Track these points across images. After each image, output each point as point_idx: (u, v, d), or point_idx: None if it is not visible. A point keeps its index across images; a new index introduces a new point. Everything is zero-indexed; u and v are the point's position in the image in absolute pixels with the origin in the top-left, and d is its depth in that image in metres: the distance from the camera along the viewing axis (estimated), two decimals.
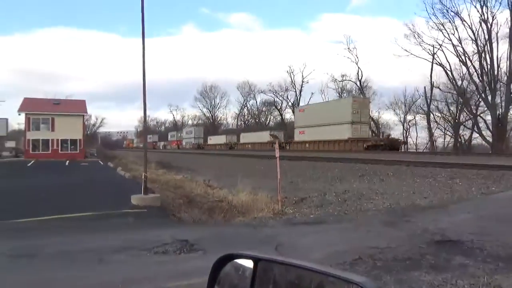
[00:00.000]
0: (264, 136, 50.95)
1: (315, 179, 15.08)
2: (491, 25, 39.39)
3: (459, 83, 43.85)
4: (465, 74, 42.75)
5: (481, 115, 42.54)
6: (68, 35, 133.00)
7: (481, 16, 39.75)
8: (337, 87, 60.67)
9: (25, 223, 7.73)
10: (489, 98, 39.70)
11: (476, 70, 41.13)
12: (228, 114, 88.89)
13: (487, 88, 39.76)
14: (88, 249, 5.41)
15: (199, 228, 7.38)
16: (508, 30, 38.27)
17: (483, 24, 39.76)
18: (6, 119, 43.68)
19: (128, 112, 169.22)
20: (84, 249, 5.43)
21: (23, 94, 79.02)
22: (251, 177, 16.55)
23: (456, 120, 45.73)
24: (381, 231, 6.21)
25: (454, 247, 4.94)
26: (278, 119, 72.18)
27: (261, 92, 75.10)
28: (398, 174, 13.11)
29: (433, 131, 48.54)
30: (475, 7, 40.20)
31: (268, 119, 77.05)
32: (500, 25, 39.11)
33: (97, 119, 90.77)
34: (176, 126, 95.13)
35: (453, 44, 42.55)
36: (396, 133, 56.51)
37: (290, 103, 68.77)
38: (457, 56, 42.65)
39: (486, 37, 39.75)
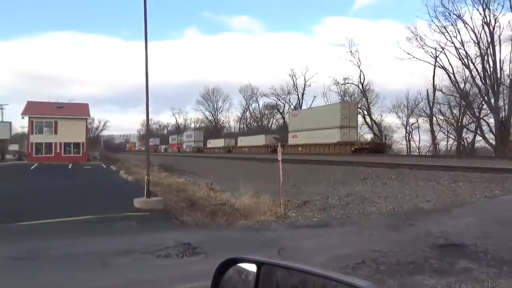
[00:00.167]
0: (260, 140, 52.45)
1: (318, 182, 15.05)
2: (494, 28, 39.38)
3: (462, 86, 43.79)
4: (467, 77, 42.70)
5: (484, 118, 42.44)
6: (71, 39, 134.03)
7: (483, 19, 39.75)
8: (339, 90, 60.70)
9: (29, 226, 7.74)
10: (492, 101, 39.58)
11: (478, 73, 41.07)
12: (231, 117, 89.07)
13: (490, 91, 39.65)
14: (91, 252, 5.42)
15: (201, 231, 7.37)
16: (511, 33, 38.27)
17: (485, 27, 39.75)
18: (10, 123, 44.07)
19: (131, 115, 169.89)
20: (87, 252, 5.44)
21: (26, 98, 79.34)
22: (253, 180, 16.54)
23: (459, 123, 45.59)
24: (384, 234, 6.19)
25: (458, 251, 4.91)
26: (281, 122, 72.21)
27: (264, 95, 75.27)
28: (401, 178, 13.07)
29: (436, 134, 48.43)
30: (478, 10, 40.22)
31: (271, 122, 77.15)
32: (503, 28, 39.08)
33: (100, 122, 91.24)
34: (179, 129, 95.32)
35: (455, 47, 42.54)
36: (399, 136, 56.46)
37: (292, 106, 68.82)
38: (460, 59, 42.63)
39: (489, 39, 39.73)
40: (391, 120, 58.60)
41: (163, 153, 72.25)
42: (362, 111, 58.28)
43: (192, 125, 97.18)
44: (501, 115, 38.52)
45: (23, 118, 39.57)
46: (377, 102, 58.36)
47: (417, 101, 52.43)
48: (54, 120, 39.52)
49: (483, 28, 39.87)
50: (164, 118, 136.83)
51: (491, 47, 39.65)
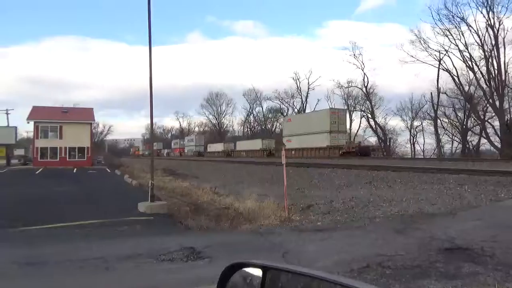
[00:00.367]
0: (256, 144, 54.46)
1: (322, 186, 15.01)
2: (498, 30, 39.26)
3: (466, 88, 43.63)
4: (472, 79, 42.56)
5: (489, 120, 42.24)
6: (76, 44, 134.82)
7: (487, 21, 39.64)
8: (343, 94, 60.70)
9: (34, 231, 7.78)
10: (497, 103, 39.38)
11: (483, 76, 40.91)
12: (234, 121, 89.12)
13: (495, 93, 39.47)
14: (95, 257, 5.43)
15: (205, 235, 7.36)
16: None
17: (489, 30, 39.63)
18: (15, 127, 44.34)
19: (135, 119, 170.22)
20: (91, 257, 5.45)
21: (32, 103, 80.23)
22: (257, 184, 16.52)
23: (464, 126, 45.38)
24: (389, 238, 6.15)
25: (464, 255, 4.87)
26: None
27: (267, 99, 75.34)
28: (406, 181, 13.00)
29: (441, 137, 48.21)
30: (481, 12, 40.14)
31: (274, 126, 77.14)
32: (507, 30, 38.97)
33: (104, 127, 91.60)
34: (183, 134, 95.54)
35: (459, 50, 42.44)
36: (403, 139, 56.22)
37: (296, 110, 68.81)
38: (464, 62, 42.51)
39: (493, 42, 39.59)
40: (395, 123, 58.71)
41: (166, 157, 72.88)
42: (366, 114, 58.30)
43: (196, 129, 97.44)
44: (506, 118, 38.32)
45: (28, 123, 39.87)
46: (381, 105, 58.26)
47: (421, 104, 52.35)
48: (59, 124, 39.75)
49: (487, 30, 39.81)
50: (168, 122, 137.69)
51: (495, 50, 39.52)
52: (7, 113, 51.91)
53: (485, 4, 39.43)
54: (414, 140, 54.96)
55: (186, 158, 60.09)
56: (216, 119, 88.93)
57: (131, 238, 7.11)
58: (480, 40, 40.37)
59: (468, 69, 42.41)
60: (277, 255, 5.17)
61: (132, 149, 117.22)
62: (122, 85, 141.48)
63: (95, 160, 44.74)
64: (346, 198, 11.00)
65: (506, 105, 39.14)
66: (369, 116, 57.50)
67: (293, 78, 68.22)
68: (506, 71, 39.05)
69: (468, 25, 41.19)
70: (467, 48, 41.70)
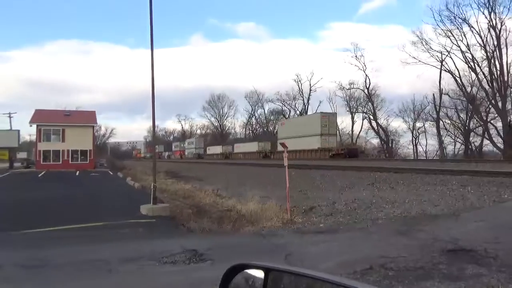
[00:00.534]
0: (253, 147, 56.48)
1: (324, 187, 14.99)
2: (500, 31, 39.22)
3: (469, 89, 43.56)
4: (474, 80, 42.49)
5: (492, 121, 42.13)
6: (78, 47, 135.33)
7: (489, 22, 39.61)
8: (345, 95, 60.68)
9: (36, 234, 7.79)
10: (500, 104, 39.27)
11: (485, 76, 40.85)
12: (236, 123, 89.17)
13: (497, 94, 39.37)
14: (98, 259, 5.43)
15: (208, 237, 7.36)
16: None
17: (491, 30, 39.60)
18: (18, 131, 44.46)
19: (138, 122, 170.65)
20: (94, 259, 5.45)
21: (34, 106, 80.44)
22: (259, 186, 16.51)
23: (466, 127, 45.25)
24: (392, 240, 6.13)
25: (467, 256, 4.85)
26: None
27: (269, 101, 75.43)
28: (408, 182, 12.97)
29: (443, 138, 48.09)
30: (483, 13, 40.15)
31: (276, 128, 77.08)
32: (509, 31, 38.94)
33: (106, 129, 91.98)
34: (184, 136, 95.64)
35: (461, 51, 42.41)
36: (405, 140, 56.08)
37: (298, 112, 68.81)
38: (466, 63, 42.46)
39: (495, 43, 39.56)
40: (397, 124, 58.38)
41: (167, 160, 73.17)
42: (368, 116, 58.24)
43: (198, 132, 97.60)
44: (508, 119, 38.20)
45: (31, 126, 40.03)
46: (383, 106, 58.17)
47: (424, 105, 52.24)
48: (61, 127, 39.89)
49: (489, 31, 39.77)
50: (170, 124, 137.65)
51: (497, 50, 39.49)
52: (9, 116, 52.21)
53: (487, 5, 39.48)
54: (417, 141, 54.89)
55: (186, 161, 61.25)
56: (218, 121, 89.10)
57: (134, 241, 7.11)
58: (482, 41, 40.37)
59: (470, 70, 42.42)
60: (279, 257, 5.16)
61: (134, 151, 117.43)
62: (124, 88, 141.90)
63: (98, 163, 44.86)
64: (349, 200, 10.98)
65: (508, 106, 39.08)
66: (371, 117, 57.50)
67: (295, 80, 68.43)
68: (508, 72, 39.01)
69: (470, 26, 41.22)
70: (469, 49, 41.71)
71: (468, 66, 42.33)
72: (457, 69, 43.63)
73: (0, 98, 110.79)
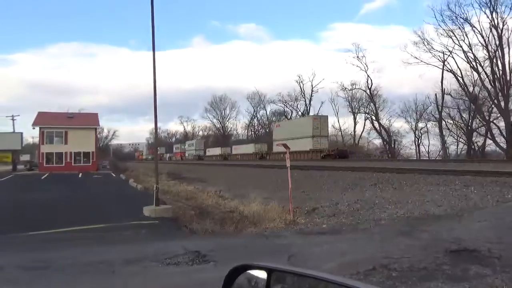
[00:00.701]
0: (250, 148, 58.82)
1: (327, 188, 14.97)
2: (502, 31, 39.08)
3: (471, 89, 43.36)
4: (476, 80, 42.31)
5: (494, 121, 41.94)
6: (80, 49, 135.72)
7: (491, 22, 39.48)
8: (346, 96, 60.55)
9: (40, 236, 7.82)
10: (502, 104, 39.13)
11: (487, 76, 40.69)
12: (238, 124, 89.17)
13: (500, 94, 39.23)
14: (101, 261, 5.44)
15: (210, 239, 7.36)
16: None
17: (493, 30, 39.45)
18: (21, 133, 44.62)
19: (140, 124, 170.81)
20: (97, 261, 5.46)
21: (37, 108, 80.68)
22: (262, 187, 16.50)
23: (469, 127, 45.07)
24: (395, 240, 6.11)
25: (471, 257, 4.83)
26: None
27: (271, 102, 75.36)
28: (411, 183, 12.93)
29: (446, 138, 47.90)
30: (485, 13, 40.01)
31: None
32: (511, 30, 38.76)
33: (109, 131, 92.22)
34: (187, 138, 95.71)
35: (463, 50, 42.27)
36: (408, 140, 55.89)
37: (300, 113, 68.76)
38: (468, 62, 42.30)
39: (497, 42, 39.41)
40: (399, 125, 58.26)
41: (168, 161, 73.57)
42: (370, 117, 58.13)
43: (200, 133, 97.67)
44: (511, 118, 38.03)
45: (34, 128, 40.19)
46: (385, 107, 58.03)
47: (426, 105, 51.99)
48: (64, 130, 40.03)
49: (491, 31, 39.62)
50: (173, 126, 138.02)
51: (499, 50, 39.34)
52: (13, 119, 52.30)
53: (489, 4, 39.34)
54: (419, 141, 54.64)
55: (187, 162, 62.47)
56: (220, 123, 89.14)
57: (137, 242, 7.12)
58: (484, 40, 40.23)
59: (472, 69, 42.24)
60: (282, 258, 5.16)
61: (137, 153, 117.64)
62: (127, 90, 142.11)
63: (100, 164, 44.95)
64: (351, 201, 10.97)
65: (511, 106, 38.85)
66: (373, 118, 57.35)
67: (297, 81, 68.25)
68: (511, 71, 38.83)
69: (472, 26, 41.07)
70: (471, 49, 41.56)
71: (470, 66, 42.22)
72: (459, 69, 43.51)
73: (3, 101, 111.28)
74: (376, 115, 56.84)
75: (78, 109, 62.90)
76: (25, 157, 51.16)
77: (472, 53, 41.54)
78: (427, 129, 52.76)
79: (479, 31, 40.52)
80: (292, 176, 10.60)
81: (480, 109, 42.55)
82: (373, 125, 57.73)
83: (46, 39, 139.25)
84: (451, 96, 45.87)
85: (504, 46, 39.05)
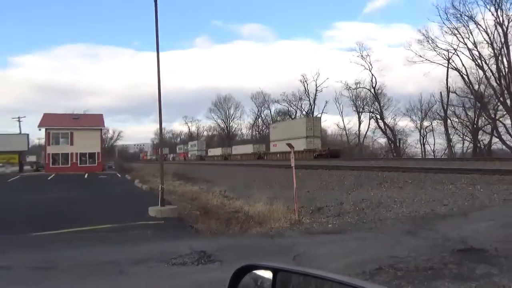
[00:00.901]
0: (248, 149, 60.28)
1: (332, 188, 14.95)
2: (507, 28, 38.80)
3: (476, 87, 43.08)
4: (482, 78, 42.04)
5: (500, 119, 41.62)
6: (85, 51, 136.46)
7: (496, 19, 39.22)
8: (351, 95, 60.34)
9: (46, 236, 7.88)
10: (508, 101, 38.85)
11: (493, 74, 40.43)
12: (243, 124, 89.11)
13: (505, 91, 38.94)
14: (108, 261, 5.47)
15: (216, 239, 7.38)
16: None
17: (498, 27, 39.20)
18: (27, 135, 44.96)
19: (145, 124, 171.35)
20: (104, 261, 5.49)
21: (43, 110, 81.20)
22: (267, 187, 16.51)
23: (475, 125, 44.75)
24: (401, 240, 6.09)
25: (478, 256, 4.80)
26: None
27: (275, 101, 75.26)
28: (417, 182, 12.87)
29: (451, 136, 47.59)
30: (490, 10, 39.73)
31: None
32: None
33: (114, 132, 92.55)
34: (192, 138, 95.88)
35: (468, 48, 42.02)
36: (413, 139, 55.58)
37: (304, 112, 68.64)
38: (473, 60, 42.04)
39: (502, 40, 39.15)
40: (404, 123, 57.71)
41: (172, 162, 74.04)
42: (375, 116, 57.90)
43: (205, 133, 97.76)
44: None
45: (40, 129, 40.51)
46: (390, 105, 57.73)
47: (431, 104, 51.68)
48: (70, 131, 40.27)
49: (496, 28, 39.37)
50: (177, 126, 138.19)
51: (505, 47, 39.06)
52: (19, 121, 52.81)
53: (493, 2, 39.06)
54: (424, 140, 54.30)
55: (190, 162, 64.03)
56: (225, 123, 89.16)
57: (143, 242, 7.15)
58: (489, 38, 39.97)
59: (477, 67, 41.98)
60: (287, 258, 5.16)
61: (142, 154, 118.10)
62: (131, 90, 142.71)
63: (106, 165, 45.16)
64: (357, 200, 10.94)
65: None
66: (378, 117, 57.11)
67: (301, 81, 68.11)
68: None
69: (477, 24, 40.82)
70: (476, 47, 41.30)
71: (476, 64, 41.97)
72: (464, 67, 43.26)
73: (9, 103, 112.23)
74: (381, 114, 56.62)
75: (84, 110, 63.37)
76: (32, 158, 51.50)
77: (477, 51, 41.33)
78: (432, 127, 52.43)
79: (484, 29, 40.31)
80: (298, 176, 10.58)
81: (485, 107, 42.25)
82: (377, 124, 57.54)
83: (51, 41, 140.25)
84: (456, 94, 45.62)
85: (509, 43, 38.83)
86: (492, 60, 40.10)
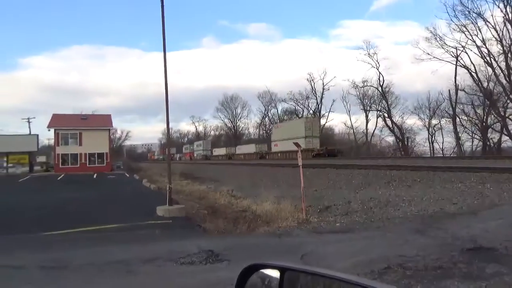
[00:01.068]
0: (251, 148, 61.93)
1: (339, 186, 14.90)
2: None
3: (485, 84, 42.53)
4: (491, 75, 41.48)
5: (510, 116, 41.06)
6: (92, 52, 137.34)
7: (505, 16, 38.64)
8: (358, 94, 59.95)
9: (56, 236, 7.96)
10: None
11: (502, 71, 39.85)
12: (250, 124, 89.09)
13: None
14: (116, 260, 5.52)
15: (223, 238, 7.40)
16: None
17: (507, 24, 38.61)
18: (37, 135, 45.40)
19: (152, 124, 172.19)
20: (112, 261, 5.54)
21: (52, 111, 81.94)
22: (274, 186, 16.50)
23: (484, 123, 44.21)
24: (409, 239, 6.05)
25: (487, 255, 4.75)
26: None
27: (282, 100, 75.13)
28: (425, 180, 12.78)
29: (460, 135, 47.09)
30: (498, 7, 39.16)
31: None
32: None
33: (122, 132, 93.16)
34: (199, 138, 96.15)
35: (477, 45, 41.46)
36: (421, 138, 55.10)
37: (311, 111, 68.45)
38: (482, 57, 41.48)
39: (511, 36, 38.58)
40: (412, 122, 57.18)
41: (178, 161, 74.62)
42: (382, 114, 57.49)
43: (212, 133, 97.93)
44: None
45: (49, 130, 40.90)
46: (398, 104, 57.26)
47: (439, 102, 51.11)
48: (78, 131, 40.64)
49: (505, 25, 38.78)
50: (184, 126, 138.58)
51: None
52: (28, 121, 53.47)
53: None
54: (433, 138, 53.77)
55: (196, 162, 65.58)
56: (232, 122, 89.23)
57: (151, 242, 7.20)
58: (498, 35, 39.39)
59: (486, 65, 41.40)
60: (295, 257, 5.16)
61: (149, 154, 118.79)
62: (139, 90, 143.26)
63: (114, 165, 45.49)
64: (365, 199, 10.89)
65: None
66: (386, 115, 56.66)
67: (308, 79, 67.85)
68: None
69: (485, 20, 40.23)
70: (484, 44, 40.74)
71: (484, 61, 41.40)
72: (473, 64, 42.69)
73: (19, 104, 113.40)
74: (389, 112, 56.20)
75: (92, 110, 63.80)
76: (42, 159, 52.04)
77: (486, 48, 40.78)
78: (441, 126, 51.90)
79: (492, 26, 39.75)
80: (306, 175, 10.56)
81: (495, 104, 41.72)
82: (385, 122, 57.09)
83: (59, 42, 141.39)
84: (465, 92, 45.06)
85: None
86: (502, 57, 39.57)
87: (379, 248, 5.70)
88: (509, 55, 38.81)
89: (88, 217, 10.08)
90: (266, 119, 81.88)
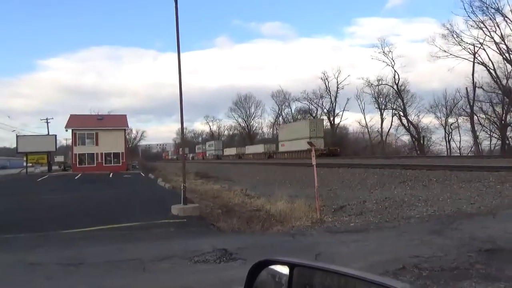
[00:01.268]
0: (260, 148, 64.52)
1: (354, 186, 14.79)
2: None
3: (504, 82, 41.51)
4: (510, 72, 40.47)
5: None
6: (109, 53, 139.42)
7: None
8: (373, 92, 59.31)
9: (74, 234, 8.12)
10: None
11: None
12: (263, 123, 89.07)
13: None
14: (132, 258, 5.60)
15: (237, 237, 7.42)
16: None
17: None
18: (55, 136, 46.30)
19: (167, 124, 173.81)
20: (128, 258, 5.62)
21: (69, 111, 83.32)
22: (288, 185, 16.48)
23: (503, 121, 43.16)
24: (425, 239, 5.97)
25: (506, 256, 4.66)
26: None
27: (296, 100, 74.92)
28: (442, 180, 12.57)
29: (478, 133, 46.08)
30: None
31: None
32: None
33: (137, 132, 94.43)
34: (213, 137, 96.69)
35: (495, 42, 40.56)
36: (438, 136, 54.13)
37: (325, 110, 68.05)
38: (501, 54, 40.54)
39: None
40: (428, 120, 56.23)
41: (191, 161, 75.61)
42: (398, 113, 56.73)
43: (226, 133, 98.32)
44: None
45: (66, 130, 41.68)
46: (414, 102, 56.38)
47: (456, 100, 50.11)
48: (95, 131, 41.32)
49: None
50: (198, 126, 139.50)
51: None
52: (47, 122, 54.50)
53: None
54: (450, 137, 52.78)
55: (208, 161, 67.85)
56: (245, 121, 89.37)
57: (166, 240, 7.28)
58: None
59: (505, 61, 40.42)
60: (309, 257, 5.14)
61: (164, 153, 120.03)
62: (154, 91, 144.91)
63: (130, 165, 46.09)
64: (379, 199, 10.78)
65: None
66: (401, 114, 55.87)
67: (322, 78, 67.46)
68: None
69: (504, 16, 39.30)
70: (503, 40, 39.81)
71: (503, 58, 40.44)
72: (491, 61, 41.74)
73: (38, 105, 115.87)
74: (404, 111, 55.39)
75: (108, 111, 64.78)
76: (60, 158, 53.14)
77: (505, 44, 39.85)
78: (458, 124, 50.86)
79: (511, 21, 38.82)
80: (320, 174, 10.50)
81: None
82: (401, 121, 56.27)
83: (76, 44, 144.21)
84: (483, 89, 44.08)
85: None
86: None
87: (394, 248, 5.64)
88: None
89: (104, 216, 10.25)
90: (280, 118, 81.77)
